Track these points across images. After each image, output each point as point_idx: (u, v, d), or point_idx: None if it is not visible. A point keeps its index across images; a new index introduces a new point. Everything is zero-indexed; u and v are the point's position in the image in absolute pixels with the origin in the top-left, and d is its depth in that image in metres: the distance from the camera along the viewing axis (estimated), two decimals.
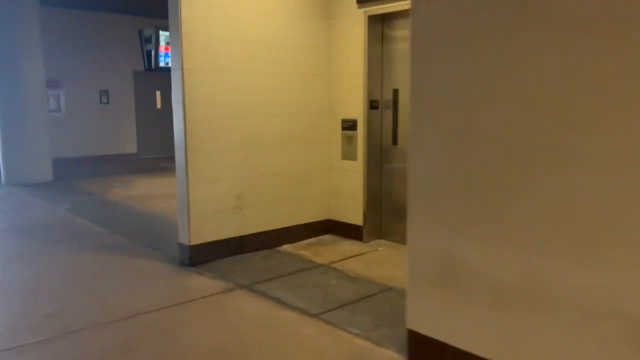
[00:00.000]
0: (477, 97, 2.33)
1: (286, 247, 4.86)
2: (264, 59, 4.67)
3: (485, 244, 2.31)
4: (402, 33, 4.71)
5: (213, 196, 4.46)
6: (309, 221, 5.19)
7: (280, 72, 4.79)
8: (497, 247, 2.26)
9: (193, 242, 4.37)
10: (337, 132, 5.13)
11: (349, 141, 5.06)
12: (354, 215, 5.08)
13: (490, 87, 2.26)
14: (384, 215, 5.08)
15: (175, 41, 4.22)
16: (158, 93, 12.60)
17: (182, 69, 4.19)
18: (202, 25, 4.26)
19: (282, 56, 4.80)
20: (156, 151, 12.56)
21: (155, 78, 11.54)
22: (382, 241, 5.02)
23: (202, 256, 4.41)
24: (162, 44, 9.62)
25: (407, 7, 4.41)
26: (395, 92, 4.82)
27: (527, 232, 2.16)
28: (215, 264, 4.36)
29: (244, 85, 4.56)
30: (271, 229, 4.88)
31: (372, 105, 4.91)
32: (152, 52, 9.71)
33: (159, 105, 12.68)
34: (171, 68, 4.33)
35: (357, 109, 4.93)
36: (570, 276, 2.02)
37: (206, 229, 4.45)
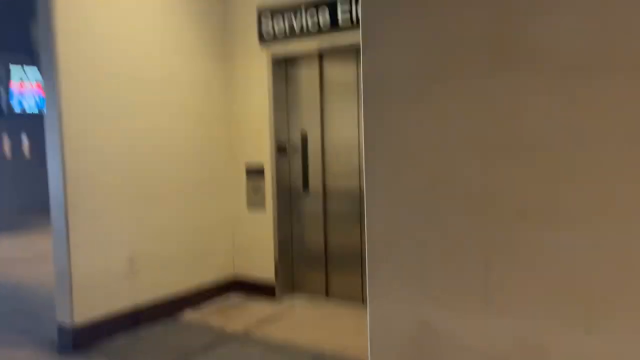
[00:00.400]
0: (450, 143, 2.08)
1: (190, 314, 4.23)
2: (158, 101, 4.12)
3: (470, 311, 2.03)
4: (308, 73, 4.47)
5: (101, 262, 3.73)
6: (213, 280, 4.61)
7: (176, 115, 4.26)
8: (484, 314, 1.99)
9: (77, 320, 3.58)
10: (242, 179, 4.69)
11: (255, 188, 4.64)
12: (264, 269, 4.62)
13: (465, 133, 2.03)
14: (297, 267, 4.69)
15: (50, 80, 3.52)
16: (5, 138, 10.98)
17: (59, 112, 3.49)
18: (83, 62, 3.62)
19: (179, 97, 4.28)
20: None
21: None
22: (297, 296, 4.60)
23: (88, 337, 3.63)
24: (16, 80, 8.27)
25: (313, 46, 4.26)
26: (304, 135, 4.53)
27: (520, 296, 1.91)
28: (107, 346, 3.61)
29: (135, 129, 3.95)
30: (171, 293, 4.23)
31: (280, 148, 4.56)
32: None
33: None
34: (46, 111, 3.60)
35: (263, 154, 4.55)
36: (572, 344, 1.80)
37: (93, 302, 3.69)
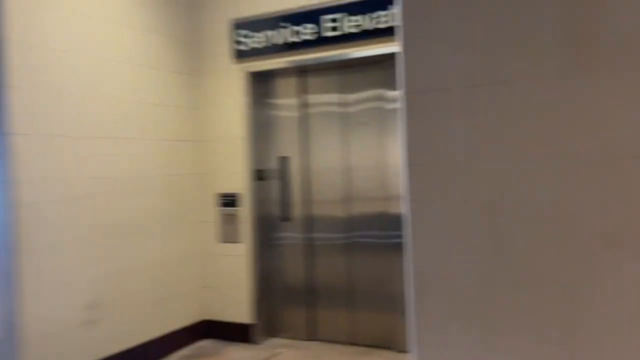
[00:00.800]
0: (516, 158, 1.76)
1: None
2: (120, 122, 3.61)
3: (548, 356, 1.67)
4: (289, 91, 4.10)
5: (55, 309, 3.12)
6: (181, 326, 4.06)
7: (139, 138, 3.76)
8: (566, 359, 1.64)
9: None
10: (213, 210, 4.21)
11: (229, 220, 4.17)
12: (239, 310, 4.12)
13: (537, 144, 1.72)
14: (277, 306, 4.21)
15: None
16: None
17: (4, 133, 2.93)
18: (37, 76, 3.09)
19: (143, 118, 3.79)
20: None
21: None
22: (279, 340, 4.11)
23: None
24: None
25: (294, 62, 3.93)
26: (284, 160, 4.13)
27: (610, 337, 1.58)
28: None
29: (94, 154, 3.42)
30: (135, 344, 3.65)
31: (258, 176, 4.13)
32: None
33: None
34: None
35: (239, 181, 4.10)
36: None
37: (45, 358, 3.07)
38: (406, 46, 1.89)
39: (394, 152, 3.68)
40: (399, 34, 1.92)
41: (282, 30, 3.84)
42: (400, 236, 3.69)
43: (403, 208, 1.97)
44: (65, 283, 3.20)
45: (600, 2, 1.55)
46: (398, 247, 3.70)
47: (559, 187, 1.67)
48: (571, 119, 1.66)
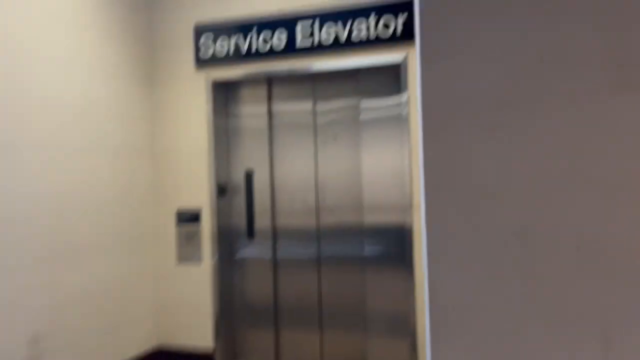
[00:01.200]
0: (550, 180, 1.64)
1: None
2: (68, 132, 3.25)
3: None
4: (256, 102, 3.88)
5: None
6: (135, 355, 3.71)
7: (90, 150, 3.41)
8: None
9: None
10: (171, 227, 3.89)
11: (188, 238, 3.87)
12: (200, 335, 3.82)
13: (574, 166, 1.60)
14: (242, 330, 3.94)
15: None
16: None
17: None
18: None
19: (94, 128, 3.44)
20: None
21: None
22: None
23: None
24: None
25: (263, 71, 3.70)
26: (249, 174, 3.89)
27: None
28: None
29: (39, 169, 3.05)
30: None
31: (222, 190, 3.87)
32: None
33: None
34: None
35: (200, 196, 3.82)
36: None
37: None
38: (424, 56, 1.74)
39: (366, 162, 3.55)
40: (416, 42, 1.76)
41: (251, 37, 3.62)
42: (373, 250, 3.55)
43: (421, 228, 1.81)
44: (5, 315, 2.81)
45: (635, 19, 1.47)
46: (370, 262, 3.56)
47: (597, 213, 1.57)
48: (609, 143, 1.56)
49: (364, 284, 3.59)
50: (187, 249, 3.87)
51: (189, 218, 3.85)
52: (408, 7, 3.24)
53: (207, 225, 3.82)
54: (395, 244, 3.50)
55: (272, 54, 3.58)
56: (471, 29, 1.67)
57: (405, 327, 3.43)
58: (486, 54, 1.67)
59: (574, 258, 1.59)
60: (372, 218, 3.55)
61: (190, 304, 3.85)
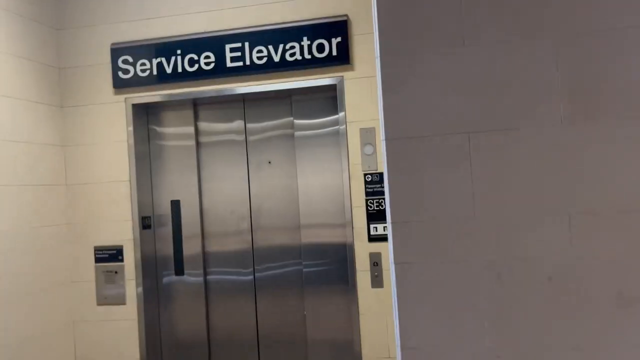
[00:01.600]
0: (519, 210, 1.61)
1: None
2: None
3: None
4: (182, 127, 3.62)
5: None
6: None
7: None
8: None
9: None
10: (89, 267, 3.51)
11: (109, 278, 3.51)
12: None
13: (541, 195, 1.59)
14: None
15: None
16: None
17: None
18: None
19: None
20: None
21: None
22: None
23: None
24: None
25: (192, 93, 3.43)
26: (176, 205, 3.62)
27: None
28: None
29: None
30: None
31: (146, 223, 3.56)
32: None
33: None
34: None
35: (122, 231, 3.49)
36: None
37: None
38: (386, 84, 1.65)
39: (302, 183, 3.43)
40: (378, 69, 1.68)
41: (176, 58, 3.39)
42: (313, 272, 3.42)
43: (391, 263, 1.71)
44: None
45: (609, 50, 1.48)
46: (310, 285, 3.43)
47: (567, 242, 1.55)
48: (574, 171, 1.55)
49: (305, 310, 3.44)
50: (107, 289, 3.50)
51: (109, 255, 3.50)
52: (342, 30, 3.19)
53: (130, 260, 3.49)
54: (336, 263, 3.39)
55: (199, 75, 3.37)
56: (435, 56, 1.61)
57: (350, 356, 3.32)
58: (450, 81, 1.61)
59: (549, 289, 1.55)
60: (310, 238, 3.43)
61: (113, 352, 3.48)
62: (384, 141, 1.65)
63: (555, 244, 1.55)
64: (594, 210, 1.51)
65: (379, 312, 3.21)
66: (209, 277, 3.61)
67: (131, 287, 3.48)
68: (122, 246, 3.48)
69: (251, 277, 3.55)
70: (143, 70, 3.44)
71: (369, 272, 3.22)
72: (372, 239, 3.20)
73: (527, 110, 1.58)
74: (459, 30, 1.58)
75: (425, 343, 1.68)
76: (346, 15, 3.21)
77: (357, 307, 3.26)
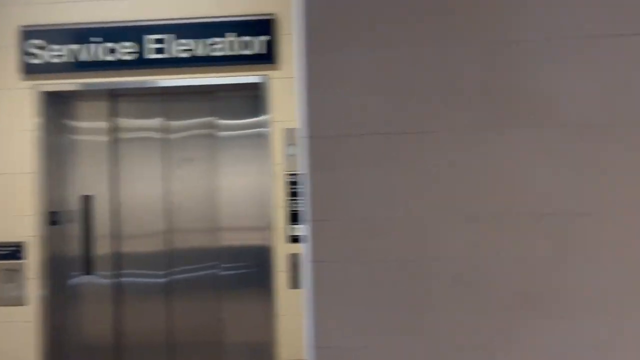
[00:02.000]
0: (430, 213, 1.66)
1: None
2: None
3: None
4: (96, 118, 3.43)
5: None
6: None
7: None
8: None
9: None
10: None
11: (7, 277, 3.25)
12: None
13: (452, 199, 1.64)
14: None
15: None
16: None
17: None
18: None
19: None
20: None
21: None
22: None
23: None
24: None
25: (108, 83, 3.26)
26: (87, 200, 3.41)
27: None
28: None
29: None
30: None
31: (53, 219, 3.33)
32: None
33: None
34: None
35: (24, 227, 3.24)
36: None
37: None
38: (309, 82, 1.65)
39: (224, 183, 3.37)
40: (299, 66, 1.68)
41: (92, 46, 3.21)
42: (231, 275, 3.36)
43: (303, 266, 1.71)
44: None
45: (521, 59, 1.55)
46: (228, 288, 3.37)
47: (475, 245, 1.61)
48: (485, 175, 1.62)
49: (222, 313, 3.37)
50: (6, 289, 3.24)
51: (8, 253, 3.24)
52: (269, 28, 3.16)
53: (33, 260, 3.25)
54: (255, 266, 3.35)
55: (118, 65, 3.21)
56: (357, 57, 1.63)
57: (266, 357, 3.28)
58: (371, 83, 1.64)
59: (458, 289, 1.61)
60: (230, 240, 3.37)
61: (11, 353, 3.22)
62: (306, 139, 1.64)
63: (465, 245, 1.60)
64: (502, 214, 1.58)
65: (297, 313, 3.19)
66: (122, 278, 3.44)
67: (33, 287, 3.25)
68: (21, 243, 3.24)
69: (167, 279, 3.43)
70: (56, 56, 3.23)
71: (287, 273, 3.21)
72: (291, 240, 3.19)
73: (443, 114, 1.62)
74: (383, 31, 1.60)
75: (339, 342, 1.69)
76: (274, 14, 3.19)
77: (275, 308, 3.23)
